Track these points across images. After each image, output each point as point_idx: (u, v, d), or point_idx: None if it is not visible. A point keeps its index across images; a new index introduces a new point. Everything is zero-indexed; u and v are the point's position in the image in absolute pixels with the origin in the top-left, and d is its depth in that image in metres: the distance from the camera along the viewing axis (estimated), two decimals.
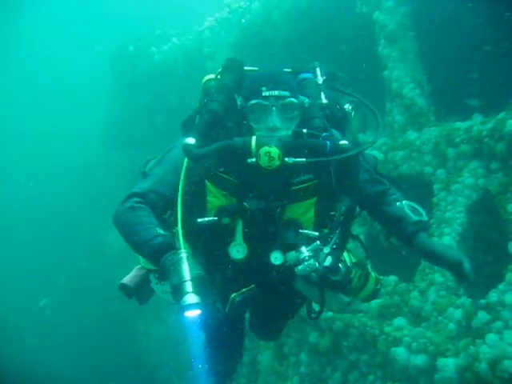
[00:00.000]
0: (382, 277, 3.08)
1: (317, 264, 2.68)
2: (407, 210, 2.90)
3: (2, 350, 12.17)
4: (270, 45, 8.08)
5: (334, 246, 2.78)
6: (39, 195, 18.72)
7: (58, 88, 22.33)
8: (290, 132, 2.75)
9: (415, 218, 2.86)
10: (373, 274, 2.91)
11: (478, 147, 5.20)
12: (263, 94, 2.73)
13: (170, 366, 11.11)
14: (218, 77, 3.05)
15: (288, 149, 2.62)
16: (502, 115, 5.02)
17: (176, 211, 2.79)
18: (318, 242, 2.78)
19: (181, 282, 2.52)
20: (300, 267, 2.69)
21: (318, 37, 7.00)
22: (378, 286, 2.93)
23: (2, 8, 19.09)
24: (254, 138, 2.65)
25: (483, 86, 6.32)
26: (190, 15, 12.35)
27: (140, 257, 3.08)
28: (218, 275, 2.88)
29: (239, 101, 2.84)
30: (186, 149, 2.73)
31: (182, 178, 2.82)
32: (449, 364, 4.66)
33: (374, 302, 5.76)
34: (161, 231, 2.74)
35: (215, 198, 2.86)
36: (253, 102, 2.74)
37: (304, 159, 2.65)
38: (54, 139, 20.23)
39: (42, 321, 14.43)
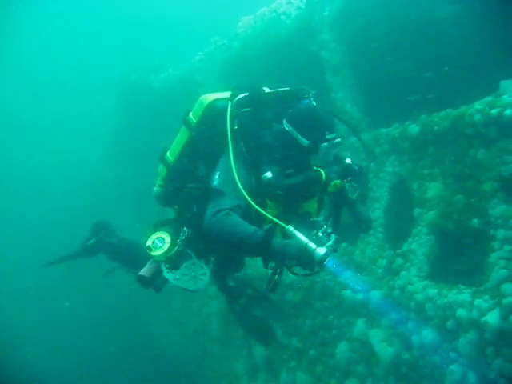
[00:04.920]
0: None
1: (330, 242, 3.38)
2: (348, 188, 3.89)
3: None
4: (247, 74, 9.74)
5: (331, 228, 3.57)
6: (45, 208, 19.83)
7: (68, 112, 23.78)
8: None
9: (352, 197, 3.93)
10: None
11: (393, 146, 6.95)
12: (327, 137, 3.40)
13: (176, 347, 12.31)
14: (244, 109, 3.60)
15: (343, 176, 3.54)
16: (407, 122, 6.74)
17: (252, 213, 3.32)
18: (325, 227, 3.51)
19: (304, 245, 3.06)
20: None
21: (284, 68, 8.84)
22: None
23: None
24: (323, 172, 3.42)
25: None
26: (182, 48, 13.88)
27: (151, 250, 3.68)
28: None
29: (304, 141, 3.40)
30: (271, 182, 3.36)
31: (248, 196, 3.25)
32: (376, 294, 6.51)
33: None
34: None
35: (271, 209, 3.47)
36: (324, 145, 3.40)
37: (346, 181, 3.62)
38: (63, 158, 21.36)
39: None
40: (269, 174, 3.34)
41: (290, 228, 3.13)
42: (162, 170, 4.23)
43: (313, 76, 8.05)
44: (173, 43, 17.47)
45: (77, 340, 14.34)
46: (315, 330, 5.57)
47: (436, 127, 6.18)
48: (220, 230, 3.22)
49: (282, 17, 8.76)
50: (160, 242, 3.67)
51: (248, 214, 3.33)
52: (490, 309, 5.04)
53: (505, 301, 4.94)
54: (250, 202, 3.23)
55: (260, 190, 3.41)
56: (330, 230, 3.49)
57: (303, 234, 3.16)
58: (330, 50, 7.99)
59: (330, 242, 3.35)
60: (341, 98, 7.95)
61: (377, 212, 7.20)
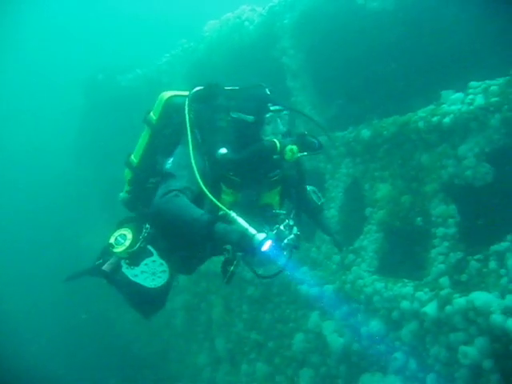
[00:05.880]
0: None
1: (292, 235, 3.41)
2: (313, 195, 4.06)
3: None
4: (211, 75, 10.15)
5: (293, 221, 3.56)
6: (19, 206, 19.89)
7: (34, 110, 23.77)
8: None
9: (318, 202, 4.11)
10: None
11: (348, 148, 7.33)
12: (271, 108, 3.44)
13: (141, 341, 12.52)
14: (201, 103, 3.63)
15: (300, 146, 3.43)
16: (361, 126, 7.13)
17: (205, 198, 3.26)
18: (287, 221, 3.49)
19: (244, 231, 3.04)
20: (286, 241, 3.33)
21: (247, 72, 9.13)
22: None
23: None
24: (276, 140, 3.35)
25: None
26: (150, 49, 14.10)
27: (113, 247, 3.68)
28: None
29: (250, 117, 3.43)
30: (226, 157, 3.38)
31: (201, 181, 3.25)
32: (329, 288, 6.89)
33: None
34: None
35: (227, 195, 3.50)
36: (269, 114, 3.43)
37: (305, 153, 3.46)
38: (30, 156, 21.44)
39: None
40: (223, 151, 3.38)
41: (232, 213, 3.14)
42: (127, 173, 4.19)
43: (275, 80, 8.39)
44: (140, 44, 17.63)
45: (39, 335, 14.48)
46: None
47: (385, 132, 6.61)
48: (167, 210, 3.22)
49: (246, 23, 9.09)
50: (122, 239, 3.71)
51: (202, 199, 3.34)
52: (429, 300, 5.49)
53: (442, 292, 5.40)
54: (201, 185, 3.25)
55: (215, 176, 3.44)
56: (292, 223, 3.51)
57: (257, 223, 3.18)
58: (290, 56, 8.33)
59: (292, 236, 3.38)
60: (301, 102, 8.30)
61: (332, 211, 7.59)
